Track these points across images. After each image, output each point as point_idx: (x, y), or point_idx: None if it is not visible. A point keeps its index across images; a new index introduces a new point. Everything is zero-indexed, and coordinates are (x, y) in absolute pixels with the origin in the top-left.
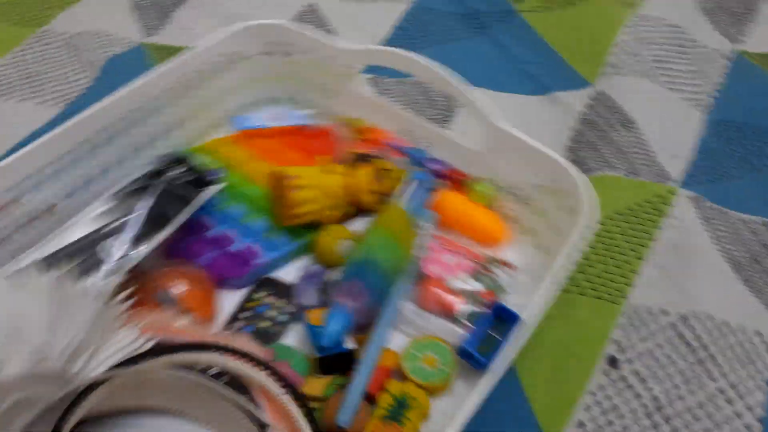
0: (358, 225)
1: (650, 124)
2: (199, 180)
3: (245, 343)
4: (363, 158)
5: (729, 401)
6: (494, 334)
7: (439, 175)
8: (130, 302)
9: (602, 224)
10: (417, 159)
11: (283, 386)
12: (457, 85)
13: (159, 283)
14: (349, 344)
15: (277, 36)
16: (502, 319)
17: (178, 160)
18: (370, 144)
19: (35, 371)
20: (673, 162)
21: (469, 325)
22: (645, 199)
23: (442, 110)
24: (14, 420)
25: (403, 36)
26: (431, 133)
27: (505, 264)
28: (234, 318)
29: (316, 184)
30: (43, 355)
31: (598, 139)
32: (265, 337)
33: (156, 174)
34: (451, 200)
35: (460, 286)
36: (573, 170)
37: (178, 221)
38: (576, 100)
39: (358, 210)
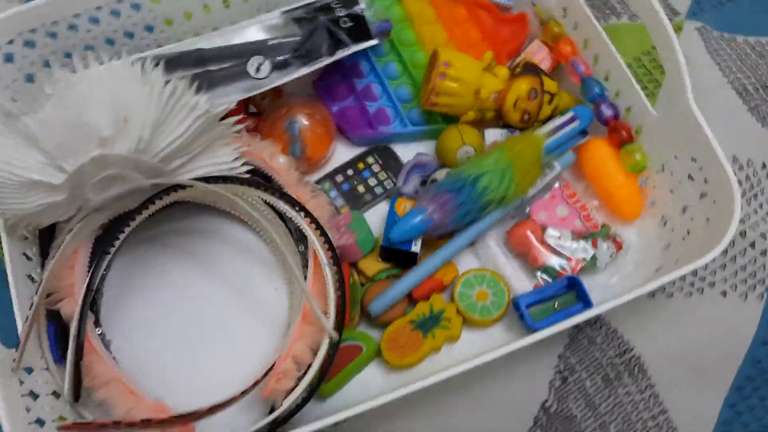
0: (498, 135)
1: None
2: (363, 30)
3: (323, 203)
4: (532, 70)
5: None
6: (558, 304)
7: (605, 122)
8: (238, 125)
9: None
10: (593, 94)
11: (331, 258)
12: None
13: (289, 112)
14: (416, 247)
15: None
16: (576, 294)
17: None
18: (555, 56)
19: (134, 158)
20: None
21: (543, 281)
22: (652, 45)
23: None
24: (110, 188)
25: None
26: (623, 76)
27: (615, 241)
28: (338, 170)
29: (467, 79)
30: (143, 148)
31: None
32: (355, 200)
33: (323, 8)
34: (602, 153)
35: (555, 242)
36: (737, 195)
37: (325, 62)
38: None
39: (502, 120)
